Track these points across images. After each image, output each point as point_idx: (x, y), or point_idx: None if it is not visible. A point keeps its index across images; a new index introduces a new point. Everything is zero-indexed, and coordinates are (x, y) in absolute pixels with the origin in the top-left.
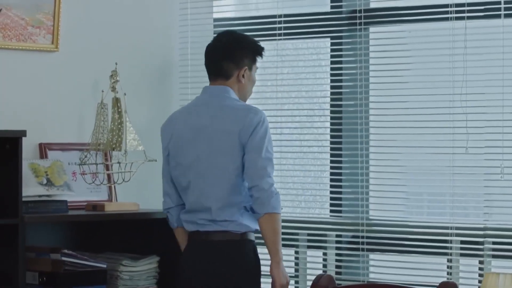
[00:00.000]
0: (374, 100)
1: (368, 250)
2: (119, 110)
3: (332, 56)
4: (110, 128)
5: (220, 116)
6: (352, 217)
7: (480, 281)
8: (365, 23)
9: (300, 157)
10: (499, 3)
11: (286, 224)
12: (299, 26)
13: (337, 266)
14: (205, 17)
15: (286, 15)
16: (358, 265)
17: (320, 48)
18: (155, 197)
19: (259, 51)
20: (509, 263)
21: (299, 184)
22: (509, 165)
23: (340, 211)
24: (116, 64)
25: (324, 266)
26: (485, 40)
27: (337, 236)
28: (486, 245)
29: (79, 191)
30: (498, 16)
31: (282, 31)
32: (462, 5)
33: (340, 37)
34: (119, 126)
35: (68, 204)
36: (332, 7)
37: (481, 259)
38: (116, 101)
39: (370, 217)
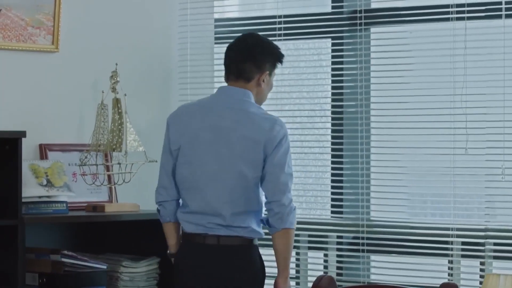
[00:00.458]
0: (375, 101)
1: (369, 251)
2: (119, 110)
3: (333, 57)
4: (111, 129)
5: (245, 122)
6: (353, 218)
7: (481, 283)
8: (366, 24)
9: (301, 157)
10: (500, 3)
11: None
12: (300, 26)
13: (338, 267)
14: (206, 17)
15: (286, 16)
16: (359, 266)
17: (321, 48)
18: None
19: (280, 57)
20: (510, 264)
21: (300, 185)
22: (510, 166)
23: (341, 212)
24: (116, 64)
25: (325, 267)
26: (486, 41)
27: (338, 237)
28: (487, 246)
29: (79, 192)
30: (499, 16)
31: (283, 32)
32: (463, 5)
33: (341, 38)
34: (120, 127)
35: (68, 205)
36: (333, 7)
37: (482, 260)
38: (116, 101)
39: (371, 218)
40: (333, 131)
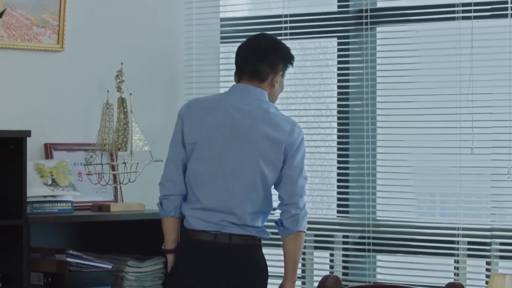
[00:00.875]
0: (380, 100)
1: (375, 251)
2: (125, 110)
3: (339, 56)
4: (116, 128)
5: (266, 122)
6: (359, 217)
7: (487, 282)
8: (372, 23)
9: (307, 157)
10: (506, 2)
11: None
12: (306, 26)
13: (344, 267)
14: (211, 16)
15: (292, 15)
16: (364, 266)
17: (327, 48)
18: None
19: (291, 59)
20: None
21: (306, 185)
22: None
23: (347, 212)
24: (122, 64)
25: (331, 267)
26: (492, 40)
27: (344, 236)
28: (493, 246)
29: (85, 192)
30: (505, 16)
31: (289, 31)
32: (469, 4)
33: (347, 37)
34: (125, 126)
35: (74, 204)
36: (339, 6)
37: (488, 260)
38: (122, 101)
39: (377, 218)
40: (339, 130)
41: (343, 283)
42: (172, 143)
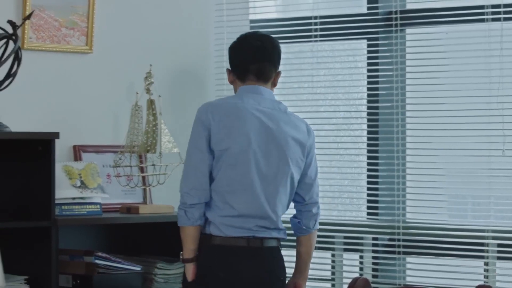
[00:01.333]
0: (410, 102)
1: (405, 253)
2: (154, 112)
3: (368, 58)
4: (145, 130)
5: (288, 124)
6: (389, 219)
7: None
8: (401, 25)
9: (337, 159)
10: None
11: (323, 227)
12: (335, 27)
13: (373, 269)
14: (241, 18)
15: (322, 17)
16: (394, 268)
17: (356, 49)
18: None
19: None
20: None
21: (335, 187)
22: None
23: (376, 214)
24: (151, 66)
25: (361, 269)
26: None
27: (373, 238)
28: None
29: (114, 194)
30: None
31: (319, 33)
32: (499, 6)
33: (377, 39)
34: (154, 128)
35: (102, 206)
36: (368, 8)
37: None
38: (151, 103)
39: (407, 220)
40: (368, 132)
41: (373, 285)
42: (195, 149)
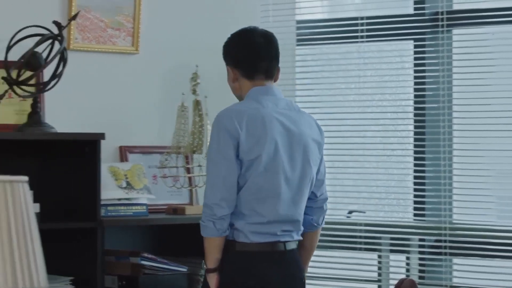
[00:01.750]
0: (457, 103)
1: (451, 254)
2: (200, 113)
3: (415, 59)
4: (191, 131)
5: (304, 124)
6: (435, 220)
7: None
8: (448, 25)
9: (383, 160)
10: None
11: (369, 228)
12: (382, 28)
13: (420, 270)
14: (287, 19)
15: (368, 17)
16: (441, 269)
17: (403, 50)
18: None
19: None
20: None
21: (382, 188)
22: None
23: (423, 215)
24: (197, 66)
25: (407, 270)
26: None
27: (420, 239)
28: None
29: (160, 195)
30: None
31: (365, 34)
32: None
33: (423, 40)
34: (200, 129)
35: (148, 207)
36: (415, 9)
37: None
38: (197, 103)
39: (454, 221)
40: (415, 133)
41: (419, 286)
42: (222, 159)
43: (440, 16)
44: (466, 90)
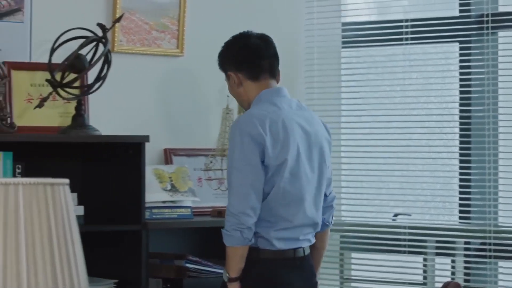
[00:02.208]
0: (503, 105)
1: (497, 257)
2: None
3: (460, 61)
4: None
5: (316, 123)
6: (481, 223)
7: None
8: (494, 28)
9: (429, 163)
10: None
11: (414, 231)
12: (427, 30)
13: (465, 274)
14: (333, 21)
15: (413, 20)
16: (486, 273)
17: (449, 52)
18: None
19: None
20: None
21: (428, 191)
22: None
23: (469, 218)
24: None
25: (452, 273)
26: None
27: (465, 243)
28: None
29: (204, 197)
30: None
31: (410, 36)
32: None
33: (469, 42)
34: None
35: (193, 210)
36: (460, 11)
37: None
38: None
39: (499, 224)
40: (461, 136)
41: None
42: (248, 166)
43: (485, 19)
44: None
